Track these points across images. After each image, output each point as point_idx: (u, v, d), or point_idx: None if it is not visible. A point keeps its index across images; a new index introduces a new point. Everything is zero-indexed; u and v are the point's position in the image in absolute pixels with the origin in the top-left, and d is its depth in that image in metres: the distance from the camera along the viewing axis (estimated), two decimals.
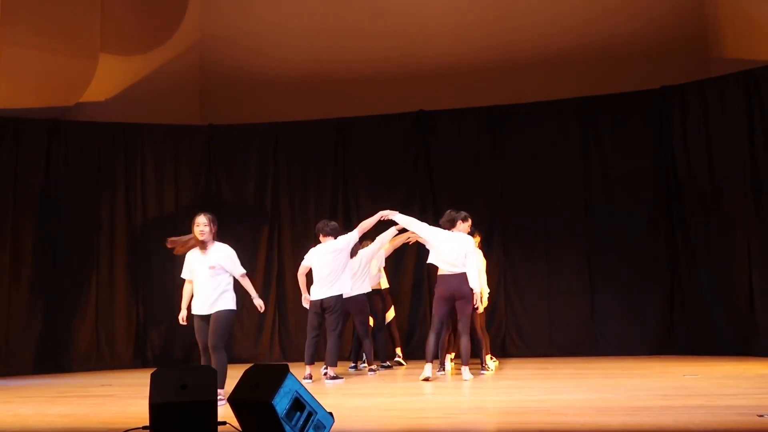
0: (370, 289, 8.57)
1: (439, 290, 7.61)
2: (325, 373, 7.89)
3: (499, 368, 8.60)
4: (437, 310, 7.63)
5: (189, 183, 11.09)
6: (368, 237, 8.56)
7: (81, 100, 10.50)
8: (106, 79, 10.61)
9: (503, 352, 9.54)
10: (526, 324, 10.30)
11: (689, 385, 6.43)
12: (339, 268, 7.91)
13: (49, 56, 9.88)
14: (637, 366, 8.41)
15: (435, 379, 7.59)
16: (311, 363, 7.87)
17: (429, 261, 7.84)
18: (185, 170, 11.08)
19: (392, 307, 9.33)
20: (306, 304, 8.02)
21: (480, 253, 8.36)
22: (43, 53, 9.80)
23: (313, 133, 11.14)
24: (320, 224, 8.22)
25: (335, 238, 8.05)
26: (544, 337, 10.20)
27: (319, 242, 8.16)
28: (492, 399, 6.33)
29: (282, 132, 11.19)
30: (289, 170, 11.15)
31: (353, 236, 8.02)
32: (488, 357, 8.46)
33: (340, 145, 11.07)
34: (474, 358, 8.30)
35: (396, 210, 7.92)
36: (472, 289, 7.43)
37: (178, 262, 10.74)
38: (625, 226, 10.02)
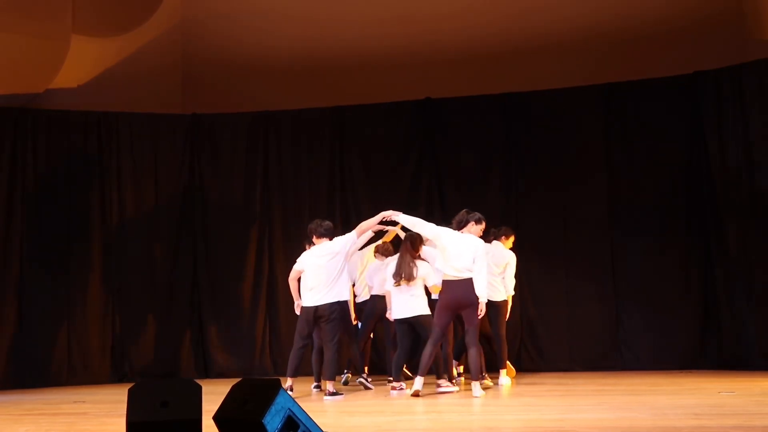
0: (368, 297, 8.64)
1: (443, 298, 7.61)
2: (317, 386, 7.89)
3: (513, 383, 8.61)
4: (439, 320, 7.64)
5: (170, 178, 11.09)
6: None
7: (51, 86, 10.50)
8: (79, 63, 10.61)
9: (518, 366, 9.55)
10: (543, 335, 10.30)
11: (724, 403, 6.43)
12: (335, 272, 7.89)
13: (16, 38, 9.87)
14: (666, 382, 8.41)
15: (426, 394, 7.63)
16: (294, 375, 7.92)
17: (436, 266, 7.86)
18: (166, 164, 11.09)
19: None
20: (299, 311, 8.05)
21: (513, 255, 8.69)
22: (8, 35, 9.79)
23: (307, 124, 11.14)
24: (313, 224, 8.20)
25: (330, 240, 8.05)
26: (563, 349, 10.19)
27: (313, 244, 8.16)
28: (505, 418, 6.33)
29: (273, 122, 11.19)
30: (281, 164, 11.15)
31: (351, 237, 8.01)
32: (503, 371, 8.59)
33: (337, 136, 11.07)
34: (492, 372, 8.34)
35: (400, 210, 7.92)
36: (478, 297, 7.45)
37: (157, 266, 10.86)
38: (652, 227, 10.01)
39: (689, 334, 9.81)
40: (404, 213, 7.87)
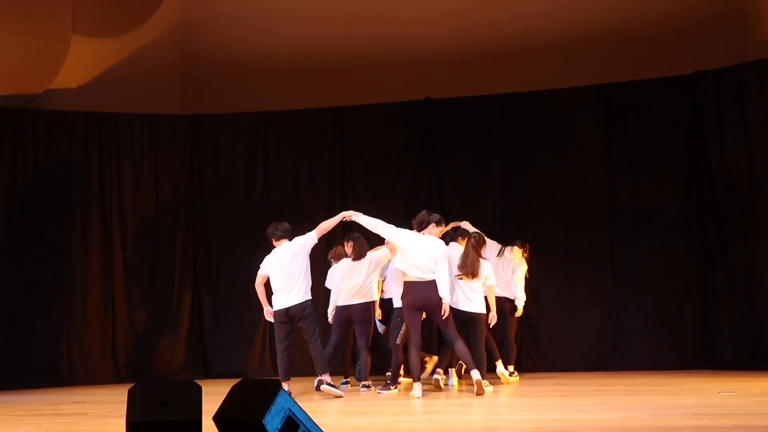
0: (376, 298, 8.64)
1: (407, 299, 7.66)
2: (321, 381, 7.95)
3: (513, 383, 8.62)
4: (411, 322, 7.69)
5: (170, 178, 11.09)
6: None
7: (51, 86, 10.50)
8: (79, 64, 10.61)
9: (518, 366, 9.54)
10: (542, 336, 10.30)
11: (724, 403, 6.43)
12: (299, 271, 7.94)
13: (16, 38, 9.87)
14: (666, 382, 8.41)
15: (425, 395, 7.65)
16: (287, 379, 7.94)
17: (395, 266, 7.88)
18: (166, 164, 11.08)
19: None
20: (269, 317, 8.10)
21: (524, 262, 8.99)
22: (8, 35, 9.79)
23: (307, 124, 11.15)
24: (270, 228, 8.26)
25: (290, 240, 8.10)
26: (563, 350, 10.20)
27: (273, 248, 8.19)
28: (505, 418, 6.33)
29: (273, 122, 11.19)
30: (281, 164, 11.15)
31: (311, 237, 8.05)
32: (504, 371, 8.63)
33: (337, 136, 11.07)
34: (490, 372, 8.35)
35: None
36: (441, 299, 7.47)
37: (158, 266, 10.85)
38: (652, 227, 10.01)
39: (689, 335, 9.81)
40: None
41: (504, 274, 8.98)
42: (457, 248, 8.51)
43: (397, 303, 8.16)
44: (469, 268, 8.02)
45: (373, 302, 8.64)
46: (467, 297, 8.06)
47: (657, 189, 10.08)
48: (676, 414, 5.92)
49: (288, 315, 7.94)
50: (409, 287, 7.61)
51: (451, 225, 8.91)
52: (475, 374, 7.60)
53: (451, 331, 7.64)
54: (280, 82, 11.21)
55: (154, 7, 11.05)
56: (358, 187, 10.97)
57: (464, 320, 8.05)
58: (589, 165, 10.37)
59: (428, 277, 7.51)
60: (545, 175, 10.45)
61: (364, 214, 8.01)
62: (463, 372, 8.83)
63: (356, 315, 8.50)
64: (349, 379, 9.04)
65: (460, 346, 7.62)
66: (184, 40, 11.45)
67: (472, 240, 8.15)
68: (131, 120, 10.95)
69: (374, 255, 8.58)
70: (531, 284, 10.14)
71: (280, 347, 8.00)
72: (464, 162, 10.73)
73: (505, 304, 8.89)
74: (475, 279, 8.04)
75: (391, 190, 10.74)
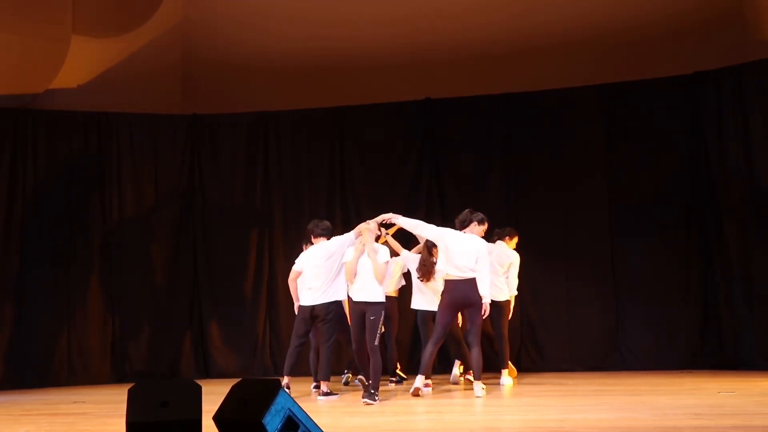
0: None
1: (446, 297, 7.63)
2: (317, 387, 7.91)
3: (515, 383, 8.62)
4: (442, 319, 7.67)
5: (170, 178, 11.09)
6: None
7: (51, 86, 10.50)
8: (79, 64, 10.61)
9: (518, 366, 9.55)
10: (543, 335, 10.29)
11: (724, 403, 6.43)
12: (333, 272, 7.91)
13: (16, 39, 9.87)
14: (666, 382, 8.42)
15: (427, 394, 7.65)
16: (290, 373, 7.96)
17: (438, 267, 7.88)
18: (166, 164, 11.08)
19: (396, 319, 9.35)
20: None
21: (517, 255, 8.76)
22: (8, 35, 9.79)
23: (307, 124, 11.15)
24: (311, 225, 8.26)
25: (328, 239, 8.08)
26: (563, 350, 10.19)
27: (311, 244, 8.18)
28: (505, 418, 6.33)
29: (273, 122, 11.19)
30: (281, 164, 11.15)
31: (349, 238, 7.98)
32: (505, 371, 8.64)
33: (337, 136, 11.07)
34: (487, 371, 8.34)
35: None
36: (482, 297, 7.45)
37: (157, 266, 10.85)
38: (652, 227, 10.01)
39: (689, 335, 9.81)
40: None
41: (499, 268, 8.66)
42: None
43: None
44: (422, 270, 8.07)
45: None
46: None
47: (657, 189, 10.08)
48: (676, 414, 5.92)
49: (312, 313, 7.92)
50: (449, 286, 7.60)
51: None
52: (477, 387, 7.57)
53: (474, 336, 7.58)
54: (280, 82, 11.20)
55: (154, 8, 11.04)
56: (358, 187, 10.96)
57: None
58: (588, 165, 10.37)
59: (468, 275, 7.49)
60: (545, 175, 10.45)
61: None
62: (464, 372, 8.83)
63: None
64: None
65: (476, 353, 7.59)
66: (184, 40, 11.44)
67: (428, 242, 8.07)
68: (131, 120, 10.95)
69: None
70: (531, 284, 10.16)
71: (294, 342, 8.03)
72: (464, 162, 10.73)
73: (492, 308, 8.62)
74: (431, 282, 8.10)
75: (391, 190, 10.73)
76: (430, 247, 8.06)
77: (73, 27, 10.34)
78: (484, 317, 7.60)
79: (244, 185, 11.15)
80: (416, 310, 8.57)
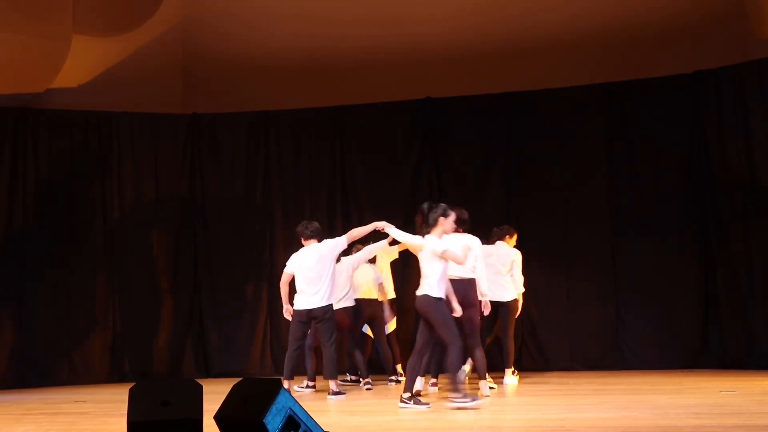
0: (353, 303, 8.61)
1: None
2: (310, 386, 7.91)
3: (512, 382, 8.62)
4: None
5: (170, 178, 11.09)
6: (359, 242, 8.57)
7: (51, 86, 10.49)
8: (80, 63, 10.61)
9: (519, 365, 9.54)
10: (543, 335, 10.29)
11: (725, 403, 6.43)
12: (324, 275, 7.85)
13: (16, 38, 9.87)
14: (667, 381, 8.41)
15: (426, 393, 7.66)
16: (291, 378, 7.92)
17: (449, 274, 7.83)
18: (166, 164, 11.08)
19: (394, 319, 9.34)
20: (288, 316, 8.04)
21: (518, 253, 8.64)
22: (8, 35, 9.78)
23: (307, 123, 11.14)
24: (300, 227, 8.15)
25: (319, 241, 8.02)
26: (564, 349, 10.19)
27: (302, 246, 8.13)
28: (507, 417, 6.33)
29: (273, 122, 11.18)
30: (281, 164, 11.15)
31: (341, 242, 7.92)
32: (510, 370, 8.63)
33: (337, 136, 11.06)
34: (492, 371, 8.35)
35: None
36: (481, 296, 7.46)
37: (158, 265, 10.85)
38: (653, 226, 10.00)
39: (690, 334, 9.81)
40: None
41: (502, 268, 8.58)
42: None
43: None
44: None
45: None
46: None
47: (657, 188, 10.07)
48: (676, 413, 5.92)
49: (309, 316, 7.87)
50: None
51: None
52: (484, 385, 7.57)
53: (475, 338, 7.53)
54: (280, 81, 11.20)
55: (154, 7, 11.04)
56: (358, 187, 10.95)
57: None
58: (588, 165, 10.36)
59: (467, 276, 7.45)
60: (545, 174, 10.44)
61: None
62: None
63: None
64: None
65: (479, 354, 7.56)
66: (185, 39, 11.44)
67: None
68: (132, 119, 10.95)
69: (349, 259, 8.58)
70: (532, 283, 10.12)
71: (291, 346, 7.96)
72: (464, 161, 10.72)
73: (500, 308, 8.49)
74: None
75: (391, 189, 10.72)
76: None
77: (73, 26, 10.33)
78: (486, 314, 7.58)
79: (244, 184, 11.15)
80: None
